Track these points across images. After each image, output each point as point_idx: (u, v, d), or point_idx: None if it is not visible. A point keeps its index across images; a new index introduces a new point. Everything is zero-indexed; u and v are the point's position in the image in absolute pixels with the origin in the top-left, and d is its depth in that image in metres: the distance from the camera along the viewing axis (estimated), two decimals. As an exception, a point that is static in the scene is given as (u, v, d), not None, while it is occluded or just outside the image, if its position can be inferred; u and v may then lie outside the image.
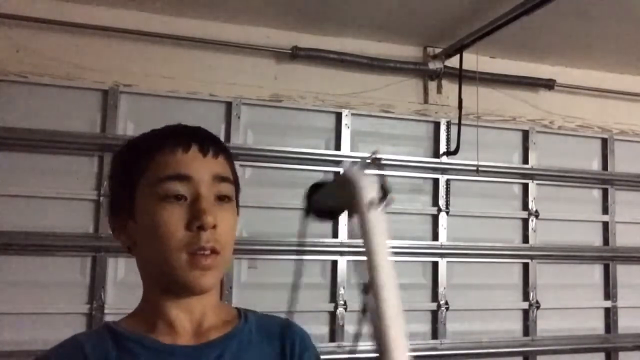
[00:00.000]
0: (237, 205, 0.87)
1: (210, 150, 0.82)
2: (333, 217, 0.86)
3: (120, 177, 0.85)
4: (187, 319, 0.82)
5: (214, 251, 0.78)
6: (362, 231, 0.70)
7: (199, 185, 0.79)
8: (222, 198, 0.82)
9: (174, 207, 0.78)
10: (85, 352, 0.78)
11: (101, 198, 2.52)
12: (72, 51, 2.56)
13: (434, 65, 3.01)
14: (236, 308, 0.91)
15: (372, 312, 0.66)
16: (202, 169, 0.80)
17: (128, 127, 2.61)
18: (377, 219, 0.70)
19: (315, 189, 0.86)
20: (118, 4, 2.60)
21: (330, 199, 0.83)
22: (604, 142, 3.37)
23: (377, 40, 2.99)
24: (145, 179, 0.80)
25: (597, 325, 3.25)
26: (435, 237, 2.99)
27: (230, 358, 0.81)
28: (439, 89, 3.07)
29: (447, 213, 3.01)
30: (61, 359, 0.78)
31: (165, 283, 0.80)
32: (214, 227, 0.78)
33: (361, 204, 0.71)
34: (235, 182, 0.87)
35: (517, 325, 3.10)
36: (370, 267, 0.68)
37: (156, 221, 0.77)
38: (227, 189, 0.83)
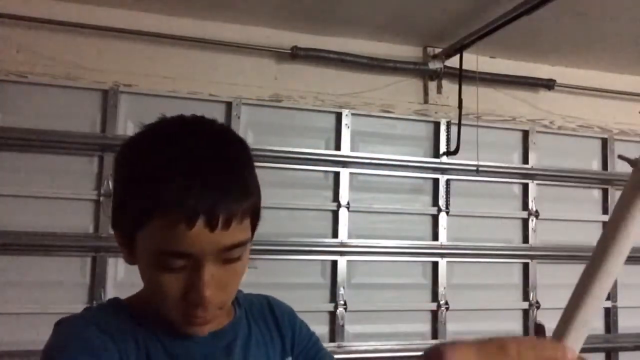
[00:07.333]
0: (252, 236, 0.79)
1: (220, 222, 0.69)
2: None
3: (124, 199, 0.76)
4: None
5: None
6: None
7: (202, 258, 0.71)
8: (230, 260, 0.74)
9: (172, 277, 0.72)
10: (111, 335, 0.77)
11: (101, 198, 2.52)
12: (72, 51, 2.56)
13: (434, 65, 3.01)
14: None
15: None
16: (208, 244, 0.70)
17: (128, 127, 2.60)
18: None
19: None
20: (118, 4, 2.60)
21: None
22: (604, 142, 3.37)
23: (377, 40, 2.99)
24: (145, 233, 0.72)
25: (597, 325, 3.24)
26: (435, 237, 2.99)
27: (240, 344, 0.84)
28: (439, 89, 3.07)
29: (447, 213, 3.00)
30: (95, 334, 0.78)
31: None
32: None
33: None
34: (254, 225, 0.78)
35: (517, 326, 3.10)
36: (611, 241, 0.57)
37: (153, 282, 0.74)
38: (238, 252, 0.74)
